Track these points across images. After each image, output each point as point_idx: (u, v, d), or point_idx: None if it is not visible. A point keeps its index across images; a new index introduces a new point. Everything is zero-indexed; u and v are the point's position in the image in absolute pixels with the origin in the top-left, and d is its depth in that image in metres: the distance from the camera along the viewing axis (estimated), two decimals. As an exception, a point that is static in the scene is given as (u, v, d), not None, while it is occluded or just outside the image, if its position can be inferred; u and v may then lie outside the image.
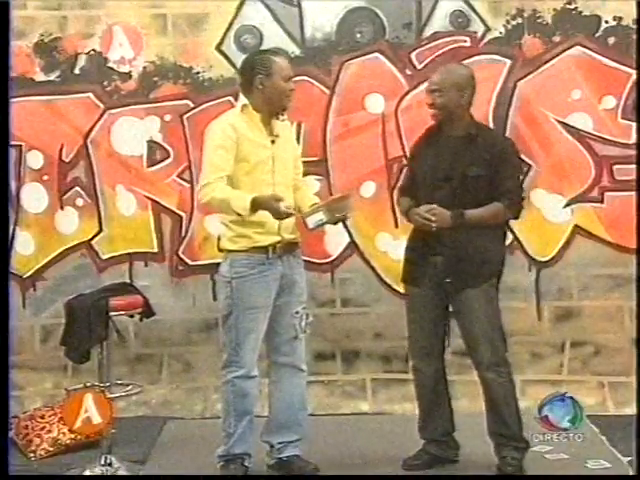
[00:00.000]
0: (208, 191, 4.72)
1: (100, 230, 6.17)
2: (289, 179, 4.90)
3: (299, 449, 5.02)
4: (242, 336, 4.80)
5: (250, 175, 4.77)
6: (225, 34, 6.05)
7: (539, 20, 6.02)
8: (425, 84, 5.95)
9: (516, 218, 4.94)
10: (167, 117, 6.11)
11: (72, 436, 5.33)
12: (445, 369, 5.04)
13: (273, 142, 4.83)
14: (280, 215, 4.64)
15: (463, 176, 4.79)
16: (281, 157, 4.85)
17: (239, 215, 4.67)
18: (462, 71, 4.96)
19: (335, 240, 6.16)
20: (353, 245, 6.17)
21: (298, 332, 4.91)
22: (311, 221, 4.68)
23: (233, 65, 5.99)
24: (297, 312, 4.90)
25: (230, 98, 5.86)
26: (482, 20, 6.04)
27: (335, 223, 4.83)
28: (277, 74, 4.77)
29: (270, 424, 5.01)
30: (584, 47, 6.01)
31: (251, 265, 4.78)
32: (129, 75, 6.09)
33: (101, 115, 6.11)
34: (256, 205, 4.63)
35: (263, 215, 4.66)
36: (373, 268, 6.17)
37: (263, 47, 6.00)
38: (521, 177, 4.93)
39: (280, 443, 4.99)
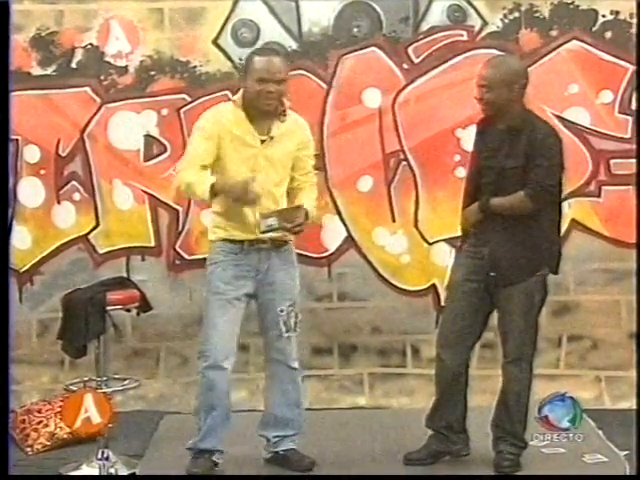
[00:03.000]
0: (179, 177, 4.76)
1: (97, 224, 6.16)
2: (276, 181, 4.80)
3: (295, 443, 5.01)
4: (209, 324, 4.82)
5: (230, 171, 4.73)
6: (222, 28, 6.04)
7: (536, 14, 6.02)
8: (422, 78, 6.06)
9: (537, 209, 4.77)
10: (164, 111, 6.10)
11: (69, 430, 5.32)
12: (468, 363, 5.04)
13: (263, 142, 4.76)
14: (243, 197, 4.60)
15: (500, 169, 4.79)
16: (270, 158, 4.76)
17: (203, 200, 4.75)
18: (512, 65, 4.90)
19: (332, 234, 6.16)
20: (350, 239, 6.17)
21: (283, 330, 4.86)
22: (263, 224, 4.68)
23: (230, 59, 6.00)
24: (282, 310, 4.85)
25: (227, 92, 5.84)
26: (479, 14, 6.04)
27: (289, 232, 4.74)
28: (250, 75, 4.70)
29: (266, 418, 5.02)
30: (581, 41, 6.01)
31: (224, 252, 4.81)
32: (126, 69, 6.08)
33: (98, 109, 6.10)
34: (216, 189, 4.65)
35: (240, 212, 4.70)
36: (370, 262, 6.17)
37: (260, 41, 6.02)
38: (552, 170, 4.77)
39: (276, 437, 4.99)
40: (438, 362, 5.04)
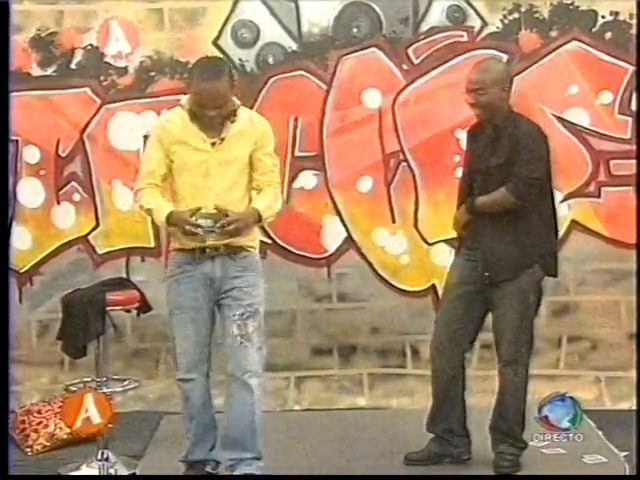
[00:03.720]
0: (139, 197, 4.72)
1: (97, 225, 6.16)
2: (236, 181, 4.62)
3: (255, 467, 4.65)
4: (174, 338, 4.71)
5: (183, 177, 4.63)
6: (222, 29, 6.04)
7: (536, 15, 6.02)
8: (422, 79, 6.06)
9: (520, 202, 4.77)
10: (164, 112, 6.09)
11: (69, 431, 5.32)
12: (464, 368, 5.03)
13: (214, 144, 4.58)
14: (187, 232, 4.53)
15: (486, 169, 4.83)
16: (222, 160, 4.58)
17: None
18: (500, 67, 4.98)
19: (332, 235, 6.16)
20: (350, 240, 6.17)
21: (237, 337, 4.59)
22: (201, 224, 4.56)
23: (230, 60, 5.97)
24: (234, 314, 4.60)
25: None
26: (479, 15, 6.04)
27: (226, 234, 4.55)
28: (193, 90, 4.54)
29: (224, 438, 4.73)
30: (581, 42, 6.02)
31: (178, 264, 4.68)
32: (126, 70, 6.09)
33: (98, 110, 6.10)
34: (171, 220, 4.59)
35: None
36: (370, 263, 6.17)
37: (260, 42, 6.03)
38: (535, 164, 4.78)
39: (231, 460, 4.67)
40: (433, 366, 5.04)
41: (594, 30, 6.01)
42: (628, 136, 6.02)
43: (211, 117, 4.54)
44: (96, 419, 4.90)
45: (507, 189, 4.78)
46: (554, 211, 4.95)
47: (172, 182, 4.70)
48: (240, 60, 5.98)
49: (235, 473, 4.67)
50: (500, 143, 4.81)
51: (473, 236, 4.91)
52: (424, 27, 6.06)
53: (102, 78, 6.08)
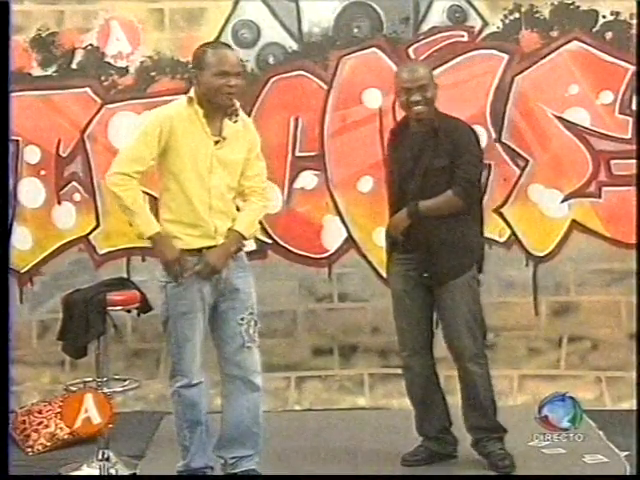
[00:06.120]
0: (121, 185, 4.47)
1: (97, 225, 6.16)
2: (230, 184, 4.58)
3: (255, 462, 4.72)
4: (181, 343, 4.61)
5: (187, 170, 4.51)
6: (222, 29, 6.04)
7: (536, 15, 6.02)
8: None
9: (467, 207, 4.81)
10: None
11: (69, 431, 5.32)
12: (435, 365, 5.05)
13: (217, 143, 4.52)
14: (169, 269, 4.53)
15: (426, 170, 4.80)
16: (224, 160, 4.53)
17: (138, 234, 4.59)
18: (428, 67, 5.03)
19: (333, 235, 6.16)
20: (351, 240, 6.17)
21: (245, 341, 4.62)
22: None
23: (230, 60, 5.98)
24: (242, 319, 4.61)
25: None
26: (479, 15, 6.04)
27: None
28: (208, 69, 4.44)
29: (222, 438, 4.74)
30: (582, 42, 6.01)
31: (182, 266, 4.55)
32: (126, 70, 6.09)
33: (98, 110, 6.11)
34: (153, 242, 4.52)
35: (198, 217, 4.52)
36: (370, 263, 6.17)
37: (260, 42, 6.04)
38: (477, 166, 4.86)
39: (233, 458, 4.71)
40: (408, 372, 5.07)
41: (595, 30, 6.01)
42: (629, 136, 6.02)
43: (231, 88, 4.46)
44: (96, 419, 4.91)
45: (455, 193, 4.77)
46: (482, 210, 4.98)
47: (173, 177, 4.54)
48: (241, 60, 5.96)
49: (237, 470, 4.71)
50: (439, 144, 4.80)
51: (410, 240, 4.87)
52: (425, 27, 6.06)
53: (103, 78, 6.09)
